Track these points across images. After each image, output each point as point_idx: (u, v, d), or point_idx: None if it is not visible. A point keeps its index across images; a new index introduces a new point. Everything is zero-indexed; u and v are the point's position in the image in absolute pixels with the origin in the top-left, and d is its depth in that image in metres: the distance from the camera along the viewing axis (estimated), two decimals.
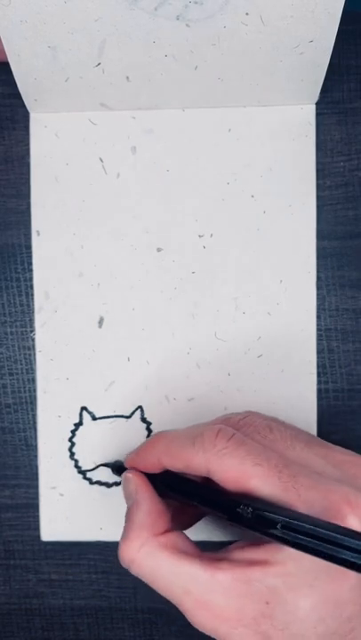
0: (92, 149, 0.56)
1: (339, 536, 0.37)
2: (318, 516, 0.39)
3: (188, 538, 0.45)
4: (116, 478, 0.57)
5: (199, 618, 0.42)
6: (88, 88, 0.54)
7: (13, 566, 0.59)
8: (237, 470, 0.42)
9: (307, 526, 0.38)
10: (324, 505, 0.40)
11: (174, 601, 0.43)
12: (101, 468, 0.57)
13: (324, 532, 0.37)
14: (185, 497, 0.46)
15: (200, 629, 0.43)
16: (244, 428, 0.47)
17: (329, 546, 0.37)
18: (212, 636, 0.42)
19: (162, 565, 0.43)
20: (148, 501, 0.46)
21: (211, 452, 0.43)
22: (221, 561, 0.42)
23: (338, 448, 0.48)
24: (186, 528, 0.51)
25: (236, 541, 0.46)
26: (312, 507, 0.40)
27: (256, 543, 0.43)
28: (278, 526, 0.39)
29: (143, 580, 0.44)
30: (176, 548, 0.44)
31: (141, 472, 0.48)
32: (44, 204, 0.57)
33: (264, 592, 0.41)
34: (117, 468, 0.55)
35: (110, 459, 0.57)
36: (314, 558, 0.38)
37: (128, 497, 0.48)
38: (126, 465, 0.50)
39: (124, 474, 0.49)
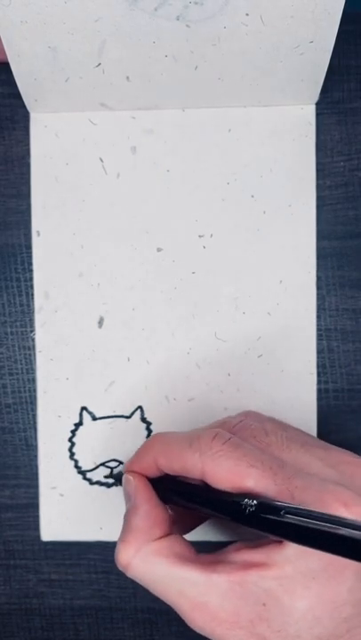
0: (92, 149, 0.56)
1: (341, 525, 0.37)
2: None
3: (185, 541, 0.46)
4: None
5: (196, 620, 0.42)
6: (88, 88, 0.54)
7: (13, 566, 0.60)
8: (232, 472, 0.42)
9: (313, 514, 0.38)
10: (318, 507, 0.39)
11: (171, 604, 0.43)
12: (101, 467, 0.57)
13: (326, 522, 0.37)
14: (186, 500, 0.46)
15: (197, 631, 0.43)
16: (241, 431, 0.47)
17: (333, 532, 0.37)
18: (209, 637, 0.43)
19: (157, 570, 0.43)
20: (146, 505, 0.46)
21: (206, 454, 0.43)
22: (218, 563, 0.43)
23: (336, 449, 0.48)
24: (188, 532, 0.51)
25: (233, 542, 0.46)
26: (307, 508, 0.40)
27: (253, 545, 0.43)
28: (282, 512, 0.38)
29: (139, 583, 0.45)
30: (172, 553, 0.44)
31: (142, 475, 0.48)
32: (44, 204, 0.57)
33: (260, 594, 0.41)
34: (118, 476, 0.55)
35: (110, 459, 0.57)
36: (311, 560, 0.39)
37: (127, 499, 0.48)
38: (125, 469, 0.50)
39: (124, 475, 0.49)
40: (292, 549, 0.40)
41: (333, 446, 0.48)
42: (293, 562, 0.40)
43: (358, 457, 0.46)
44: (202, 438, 0.44)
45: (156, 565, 0.43)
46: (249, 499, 0.41)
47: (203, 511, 0.46)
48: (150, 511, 0.46)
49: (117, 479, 0.56)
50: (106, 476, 0.57)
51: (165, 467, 0.46)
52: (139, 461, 0.48)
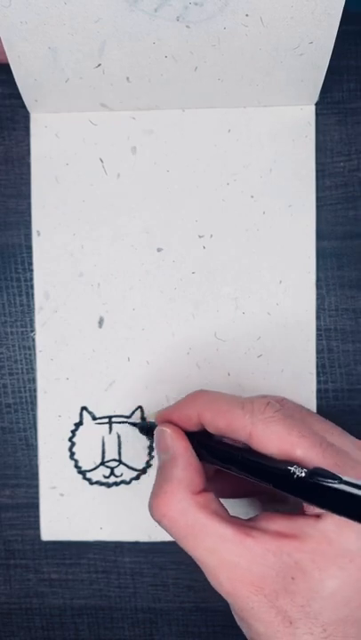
0: (93, 150, 0.56)
1: None
2: None
3: (220, 500, 0.45)
4: (115, 479, 0.57)
5: (220, 577, 0.42)
6: (88, 89, 0.54)
7: (13, 566, 0.60)
8: (283, 438, 0.42)
9: None
10: None
11: (197, 558, 0.43)
12: (101, 467, 0.57)
13: None
14: (224, 461, 0.46)
15: (216, 588, 0.43)
16: (284, 404, 0.47)
17: None
18: (227, 598, 0.43)
19: (194, 524, 0.43)
20: (185, 456, 0.46)
21: (258, 417, 0.43)
22: (252, 529, 0.42)
23: None
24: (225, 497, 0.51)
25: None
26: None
27: (287, 516, 0.43)
28: (336, 481, 0.39)
29: (168, 533, 0.44)
30: (211, 509, 0.44)
31: (179, 427, 0.48)
32: (45, 204, 0.57)
33: (291, 567, 0.41)
34: (147, 428, 0.54)
35: (110, 458, 0.57)
36: (349, 541, 0.40)
37: (164, 450, 0.47)
38: (159, 419, 0.50)
39: (158, 427, 0.49)
40: (330, 525, 0.41)
41: None
42: (330, 539, 0.40)
43: None
44: (255, 402, 0.45)
45: (195, 519, 0.43)
46: (297, 466, 0.41)
47: (241, 474, 0.45)
48: (190, 463, 0.46)
49: (146, 429, 0.55)
50: (136, 425, 0.57)
51: (209, 422, 0.46)
52: (178, 412, 0.48)
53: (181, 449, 0.46)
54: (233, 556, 0.42)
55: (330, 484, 0.39)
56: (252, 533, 0.42)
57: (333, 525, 0.40)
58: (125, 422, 0.57)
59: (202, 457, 0.47)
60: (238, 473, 0.45)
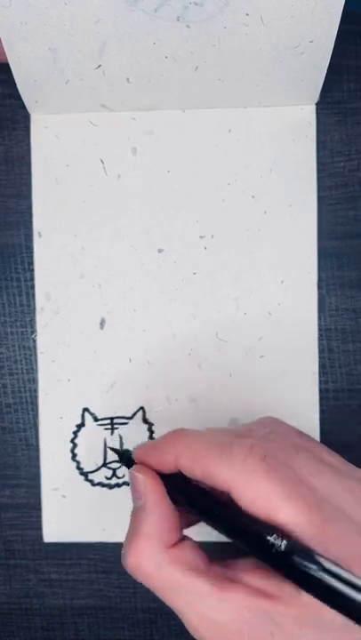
0: (93, 150, 0.56)
1: None
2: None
3: (197, 547, 0.44)
4: (117, 480, 0.57)
5: (201, 632, 0.41)
6: (88, 89, 0.54)
7: (14, 566, 0.60)
8: (266, 498, 0.39)
9: (344, 576, 0.37)
10: (348, 564, 0.38)
11: (178, 612, 0.42)
12: (103, 468, 0.57)
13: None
14: (201, 513, 0.43)
15: None
16: (269, 445, 0.43)
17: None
18: None
19: (169, 579, 0.42)
20: (160, 508, 0.43)
21: (239, 470, 0.40)
22: (230, 582, 0.41)
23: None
24: (191, 526, 0.48)
25: (243, 556, 0.44)
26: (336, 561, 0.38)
27: (270, 574, 0.41)
28: (314, 567, 0.37)
29: (146, 586, 0.43)
30: (185, 562, 0.42)
31: (152, 470, 0.45)
32: (45, 205, 0.57)
33: (270, 624, 0.39)
34: (126, 458, 0.50)
35: (112, 459, 0.57)
36: (328, 615, 0.38)
37: (137, 498, 0.45)
38: (136, 458, 0.47)
39: (132, 470, 0.46)
40: (310, 597, 0.39)
41: (358, 470, 0.45)
42: (313, 610, 0.39)
43: None
44: (235, 450, 0.42)
45: (168, 574, 0.42)
46: (277, 535, 0.38)
47: (217, 529, 0.42)
48: (164, 515, 0.43)
49: (125, 461, 0.50)
50: (112, 449, 0.55)
51: (187, 469, 0.43)
52: (156, 455, 0.45)
53: (155, 499, 0.44)
54: (210, 611, 0.40)
55: (307, 570, 0.37)
56: (230, 588, 0.41)
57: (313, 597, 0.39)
58: (108, 447, 0.57)
59: (178, 502, 0.44)
60: (215, 527, 0.42)
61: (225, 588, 0.41)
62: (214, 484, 0.41)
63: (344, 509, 0.41)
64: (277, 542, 0.38)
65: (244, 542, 0.40)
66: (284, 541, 0.38)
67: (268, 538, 0.38)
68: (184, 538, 0.44)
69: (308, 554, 0.38)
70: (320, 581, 0.37)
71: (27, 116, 0.57)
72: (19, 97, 0.55)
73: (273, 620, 0.39)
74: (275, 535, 0.38)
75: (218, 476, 0.41)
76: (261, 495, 0.39)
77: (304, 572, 0.37)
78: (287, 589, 0.39)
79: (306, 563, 0.37)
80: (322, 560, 0.37)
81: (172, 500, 0.44)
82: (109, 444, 0.57)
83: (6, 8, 0.47)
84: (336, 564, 0.37)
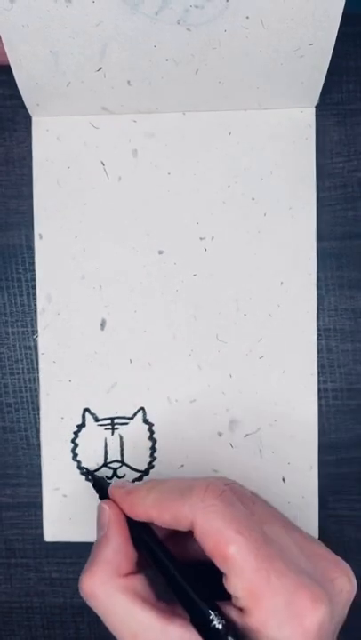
0: (94, 153, 0.57)
1: None
2: (280, 608, 0.40)
3: (148, 582, 0.46)
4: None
5: None
6: (89, 92, 0.54)
7: (14, 565, 0.60)
8: (219, 533, 0.42)
9: None
10: (288, 599, 0.40)
11: (119, 638, 0.44)
12: (104, 468, 0.57)
13: None
14: (158, 566, 0.46)
15: None
16: (228, 485, 0.46)
17: None
18: None
19: (118, 607, 0.44)
20: (118, 539, 0.46)
21: (197, 505, 0.43)
22: (176, 615, 0.43)
23: (309, 537, 0.47)
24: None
25: None
26: (276, 595, 0.40)
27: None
28: None
29: (97, 613, 0.45)
30: (135, 593, 0.44)
31: (119, 508, 0.48)
32: (47, 207, 0.57)
33: None
34: (100, 487, 0.53)
35: (113, 459, 0.57)
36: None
37: (100, 528, 0.48)
38: (111, 496, 0.49)
39: (100, 503, 0.49)
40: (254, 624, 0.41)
41: (306, 533, 0.47)
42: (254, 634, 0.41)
43: (331, 552, 0.46)
44: (194, 489, 0.44)
45: (117, 602, 0.44)
46: (218, 613, 0.41)
47: (167, 587, 0.45)
48: (122, 546, 0.46)
49: (99, 488, 0.53)
50: (90, 473, 0.57)
51: (157, 517, 0.45)
52: (129, 505, 0.47)
53: (115, 533, 0.47)
54: None
55: None
56: (174, 620, 0.42)
57: (258, 624, 0.41)
58: (91, 472, 0.58)
59: (139, 547, 0.47)
60: (166, 584, 0.45)
61: (169, 619, 0.43)
62: (180, 524, 0.44)
63: (290, 556, 0.43)
64: (217, 620, 0.41)
65: (188, 609, 0.42)
66: (223, 621, 0.41)
67: (210, 613, 0.41)
68: (138, 572, 0.46)
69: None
70: None
71: (27, 117, 0.57)
72: (19, 98, 0.55)
73: None
74: (216, 613, 0.41)
75: (182, 516, 0.43)
76: (215, 528, 0.42)
77: None
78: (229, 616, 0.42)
79: None
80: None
81: (137, 546, 0.47)
82: (109, 445, 0.57)
83: (8, 11, 0.47)
84: None
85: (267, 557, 0.41)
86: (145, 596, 0.44)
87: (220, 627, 0.40)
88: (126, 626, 0.43)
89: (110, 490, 0.49)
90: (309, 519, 0.57)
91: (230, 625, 0.41)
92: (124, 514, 0.47)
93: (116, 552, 0.46)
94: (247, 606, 0.40)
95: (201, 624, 0.41)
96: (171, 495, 0.45)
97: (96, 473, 0.57)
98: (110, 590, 0.44)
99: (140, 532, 0.47)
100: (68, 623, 0.60)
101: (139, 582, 0.45)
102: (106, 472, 0.57)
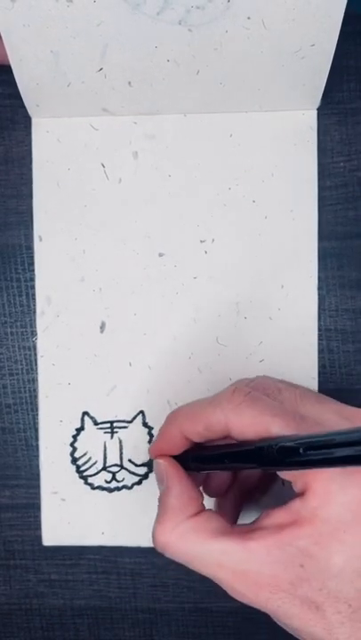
0: (94, 155, 0.56)
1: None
2: (336, 474, 0.40)
3: (218, 515, 0.46)
4: (117, 484, 0.57)
5: (238, 588, 0.43)
6: (90, 93, 0.54)
7: (13, 566, 0.60)
8: (257, 421, 0.43)
9: (330, 438, 0.38)
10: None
11: (212, 577, 0.44)
12: (103, 472, 0.57)
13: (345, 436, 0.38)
14: (214, 462, 0.47)
15: (240, 599, 0.43)
16: (252, 385, 0.48)
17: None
18: (253, 604, 0.43)
19: (195, 546, 0.44)
20: (178, 485, 0.47)
21: (228, 407, 0.44)
22: (253, 531, 0.43)
23: (348, 406, 0.48)
24: (221, 495, 0.53)
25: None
26: None
27: (283, 506, 0.43)
28: (301, 450, 0.39)
29: (178, 561, 0.45)
30: (207, 528, 0.44)
31: (170, 456, 0.49)
32: (46, 209, 0.57)
33: (297, 555, 0.41)
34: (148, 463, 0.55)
35: (112, 463, 0.57)
36: (338, 510, 0.40)
37: (160, 482, 0.48)
38: (151, 454, 0.50)
39: (155, 460, 0.49)
40: (313, 502, 0.41)
41: (345, 404, 0.48)
42: (320, 517, 0.41)
43: None
44: (222, 394, 0.46)
45: (193, 542, 0.44)
46: (272, 442, 0.41)
47: (230, 468, 0.47)
48: (182, 490, 0.46)
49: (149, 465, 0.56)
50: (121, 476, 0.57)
51: (191, 431, 0.47)
52: (164, 436, 0.49)
53: (173, 477, 0.47)
54: (240, 564, 0.42)
55: (296, 460, 0.40)
56: (253, 536, 0.42)
57: (317, 501, 0.41)
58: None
59: (196, 468, 0.48)
60: (228, 467, 0.47)
61: (249, 536, 0.43)
62: (215, 431, 0.45)
63: (329, 423, 0.44)
64: (272, 448, 0.41)
65: (251, 462, 0.43)
66: (276, 445, 0.41)
67: (265, 449, 0.41)
68: (205, 509, 0.47)
69: (293, 445, 0.40)
70: (311, 455, 0.39)
71: (27, 117, 0.57)
72: (19, 97, 0.55)
73: (298, 549, 0.41)
74: (267, 446, 0.41)
75: (215, 422, 0.45)
76: (251, 421, 0.43)
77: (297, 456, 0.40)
78: (298, 509, 0.42)
79: (294, 452, 0.40)
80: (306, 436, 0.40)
81: (195, 469, 0.49)
82: (109, 449, 0.57)
83: (9, 10, 0.47)
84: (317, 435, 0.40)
85: (308, 429, 0.42)
86: (217, 528, 0.44)
87: (275, 451, 0.40)
88: (209, 561, 0.43)
89: (150, 449, 0.51)
90: None
91: (284, 439, 0.41)
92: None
93: (179, 496, 0.46)
94: (305, 483, 0.41)
95: (265, 461, 0.42)
96: (199, 406, 0.47)
97: (96, 476, 0.57)
98: (182, 532, 0.44)
99: (189, 456, 0.48)
100: (68, 625, 0.60)
101: (209, 517, 0.45)
102: (105, 476, 0.57)
